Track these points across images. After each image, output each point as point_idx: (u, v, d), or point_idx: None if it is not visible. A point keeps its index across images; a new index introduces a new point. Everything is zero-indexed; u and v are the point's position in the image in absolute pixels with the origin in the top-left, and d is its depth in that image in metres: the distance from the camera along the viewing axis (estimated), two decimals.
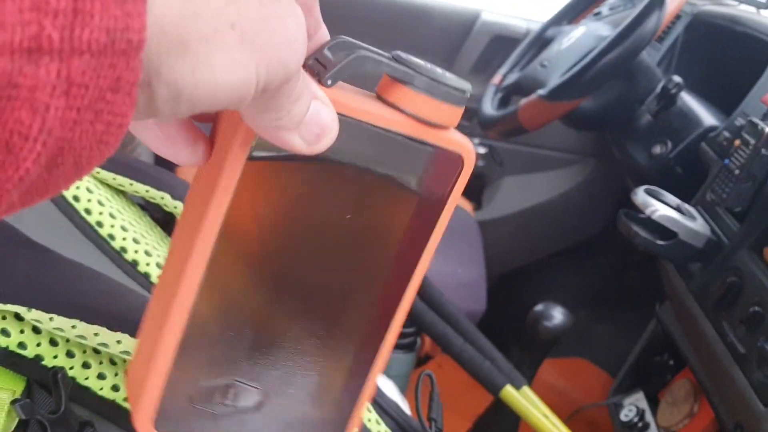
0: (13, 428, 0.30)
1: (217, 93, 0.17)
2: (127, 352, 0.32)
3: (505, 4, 1.49)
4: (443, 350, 0.84)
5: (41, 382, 0.32)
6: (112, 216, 0.43)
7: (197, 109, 0.17)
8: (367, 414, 0.46)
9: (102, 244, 0.42)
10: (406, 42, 1.41)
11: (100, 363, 0.34)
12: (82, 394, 0.33)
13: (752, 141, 0.82)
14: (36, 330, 0.32)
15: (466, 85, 0.25)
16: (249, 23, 0.17)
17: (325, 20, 0.25)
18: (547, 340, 0.96)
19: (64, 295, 0.33)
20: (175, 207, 0.45)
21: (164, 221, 0.51)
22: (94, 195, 0.43)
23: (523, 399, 0.80)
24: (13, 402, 0.30)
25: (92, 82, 0.14)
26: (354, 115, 0.24)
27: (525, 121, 1.09)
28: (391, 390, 0.67)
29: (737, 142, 0.85)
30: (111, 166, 0.45)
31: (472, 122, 1.36)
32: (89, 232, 0.42)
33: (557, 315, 0.94)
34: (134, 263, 0.43)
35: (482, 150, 1.52)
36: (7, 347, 0.31)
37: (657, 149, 1.05)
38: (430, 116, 0.25)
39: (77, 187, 0.43)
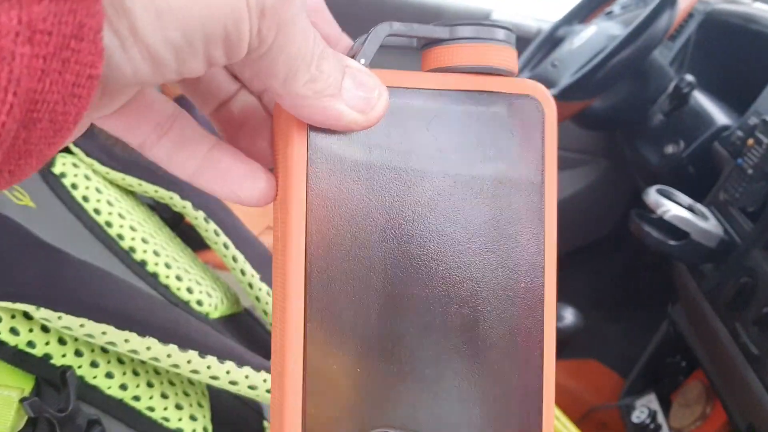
0: (22, 426, 0.31)
1: (205, 13, 0.16)
2: (134, 351, 0.33)
3: (515, 3, 1.48)
4: None
5: (50, 380, 0.32)
6: (121, 216, 0.43)
7: (193, 35, 0.16)
8: None
9: (111, 243, 0.43)
10: None
11: (108, 362, 0.34)
12: (91, 393, 0.33)
13: (765, 140, 0.81)
14: (45, 329, 0.32)
15: (506, 24, 0.22)
16: None
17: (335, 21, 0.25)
18: (558, 341, 0.95)
19: (72, 294, 0.33)
20: (184, 207, 0.45)
21: (173, 221, 0.51)
22: (103, 195, 0.43)
23: None
24: (22, 400, 0.30)
25: (55, 28, 0.14)
26: (406, 85, 0.21)
27: None
28: None
29: (750, 141, 0.85)
30: (121, 166, 0.45)
31: None
32: (98, 232, 0.42)
33: (568, 316, 0.93)
34: (143, 263, 0.43)
35: None
36: (17, 346, 0.31)
37: (669, 149, 1.04)
38: (484, 62, 0.22)
39: (87, 188, 0.43)
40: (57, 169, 0.43)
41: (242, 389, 0.35)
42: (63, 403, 0.31)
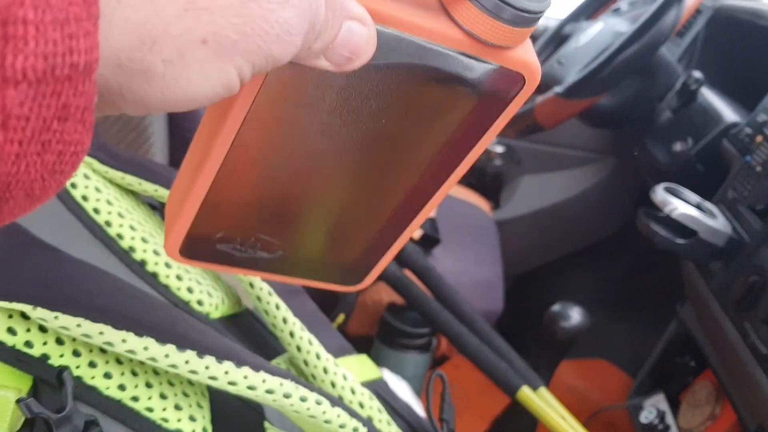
0: (19, 427, 0.30)
1: (193, 103, 0.16)
2: (132, 351, 0.32)
3: None
4: (459, 350, 0.84)
5: (48, 380, 0.32)
6: (120, 215, 0.43)
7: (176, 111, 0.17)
8: (378, 415, 0.46)
9: (110, 243, 0.42)
10: None
11: (107, 362, 0.34)
12: (89, 393, 0.33)
13: None
14: (42, 329, 0.32)
15: (540, 5, 0.22)
16: (227, 32, 0.16)
17: None
18: (564, 341, 0.95)
19: (69, 294, 0.32)
20: None
21: None
22: (102, 194, 0.43)
23: (540, 400, 0.79)
24: (18, 401, 0.30)
25: (33, 112, 0.13)
26: (398, 29, 0.21)
27: (541, 118, 1.08)
28: (404, 391, 0.66)
29: (759, 138, 0.84)
30: (120, 165, 0.45)
31: None
32: (97, 232, 0.42)
33: (574, 315, 0.93)
34: (142, 262, 0.43)
35: (499, 149, 1.51)
36: (14, 346, 0.31)
37: (677, 146, 1.04)
38: (490, 38, 0.22)
39: (86, 186, 0.43)
40: None
41: (241, 389, 0.35)
42: (59, 404, 0.31)
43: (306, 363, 0.45)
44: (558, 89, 1.04)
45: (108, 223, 0.43)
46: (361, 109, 0.25)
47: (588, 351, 1.38)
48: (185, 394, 0.37)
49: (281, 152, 0.27)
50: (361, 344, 0.74)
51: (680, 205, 0.82)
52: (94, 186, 0.43)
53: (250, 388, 0.35)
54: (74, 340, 0.33)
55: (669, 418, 1.01)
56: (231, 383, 0.35)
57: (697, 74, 1.01)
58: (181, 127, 1.36)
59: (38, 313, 0.30)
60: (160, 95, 0.16)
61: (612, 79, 1.00)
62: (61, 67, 0.13)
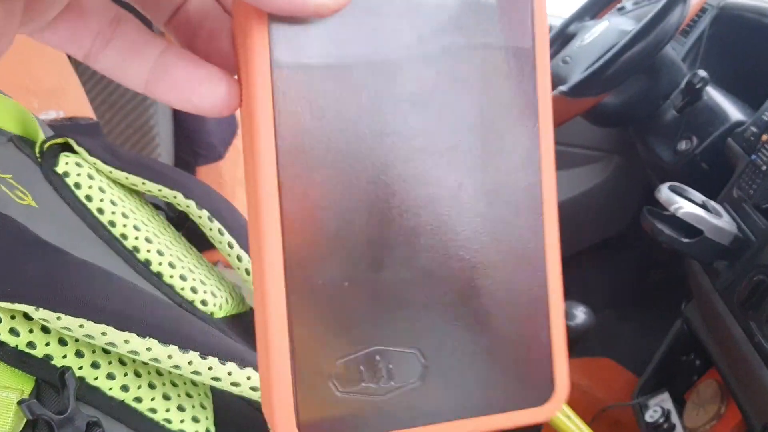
0: (21, 428, 0.30)
1: None
2: (135, 352, 0.32)
3: None
4: None
5: (50, 381, 0.32)
6: (125, 216, 0.43)
7: None
8: None
9: (114, 243, 0.42)
10: None
11: (110, 363, 0.34)
12: (92, 394, 0.33)
13: None
14: (45, 329, 0.32)
15: None
16: None
17: None
18: (569, 339, 0.94)
19: (72, 294, 0.32)
20: (188, 206, 0.45)
21: (177, 220, 0.51)
22: (106, 194, 0.43)
23: None
24: (20, 402, 0.30)
25: None
26: None
27: None
28: None
29: (765, 137, 0.83)
30: (124, 165, 0.45)
31: None
32: (102, 232, 0.42)
33: (579, 314, 0.92)
34: (147, 263, 0.43)
35: None
36: (17, 347, 0.31)
37: (682, 145, 1.03)
38: None
39: (90, 187, 0.43)
40: (60, 169, 0.42)
41: (245, 391, 0.35)
42: (62, 405, 0.31)
43: None
44: (563, 88, 1.04)
45: (112, 223, 0.43)
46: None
47: (593, 350, 1.37)
48: (188, 395, 0.37)
49: (344, 183, 0.20)
50: None
51: (685, 204, 0.81)
52: (98, 186, 0.43)
53: (254, 389, 0.35)
54: (77, 340, 0.33)
55: (674, 417, 1.01)
56: (234, 384, 0.35)
57: (702, 73, 1.01)
58: (186, 128, 1.37)
59: (41, 314, 0.30)
60: None
61: (617, 78, 1.00)
62: None
